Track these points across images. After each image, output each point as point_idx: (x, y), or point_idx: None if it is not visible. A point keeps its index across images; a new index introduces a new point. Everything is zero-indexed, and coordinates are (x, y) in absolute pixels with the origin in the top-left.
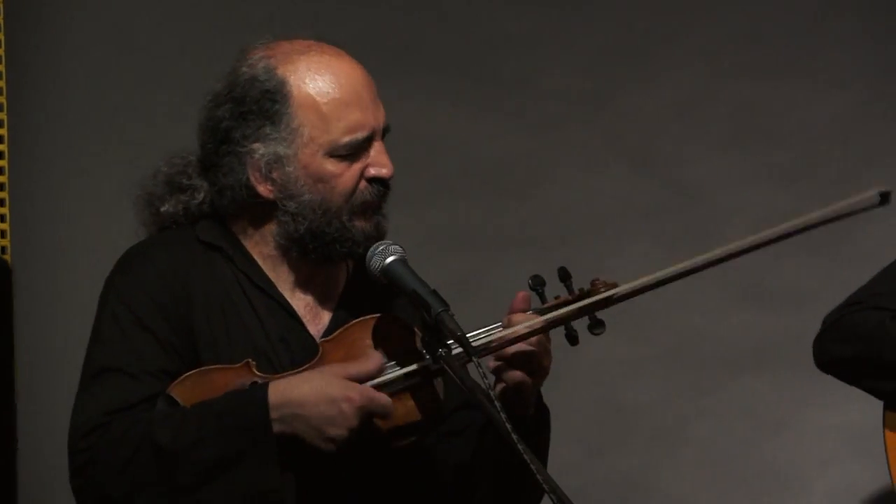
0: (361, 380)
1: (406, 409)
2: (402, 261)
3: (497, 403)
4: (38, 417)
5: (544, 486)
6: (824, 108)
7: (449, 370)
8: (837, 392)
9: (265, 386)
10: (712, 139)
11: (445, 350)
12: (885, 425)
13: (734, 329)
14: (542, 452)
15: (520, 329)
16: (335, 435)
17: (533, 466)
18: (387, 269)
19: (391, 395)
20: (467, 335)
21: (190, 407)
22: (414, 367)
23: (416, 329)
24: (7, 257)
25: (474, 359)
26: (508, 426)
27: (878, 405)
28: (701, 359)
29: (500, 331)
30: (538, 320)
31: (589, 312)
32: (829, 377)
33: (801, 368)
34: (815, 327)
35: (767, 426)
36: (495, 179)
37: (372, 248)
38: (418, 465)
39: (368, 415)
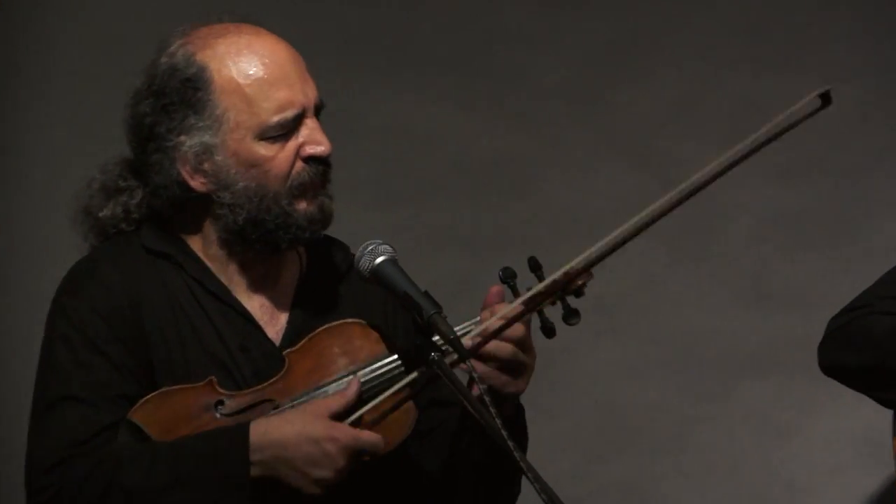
0: (344, 413)
1: (389, 434)
2: (392, 261)
3: (492, 408)
4: None
5: (535, 485)
6: (830, 106)
7: (443, 376)
8: (847, 397)
9: (245, 427)
10: (711, 136)
11: (438, 354)
12: (894, 435)
13: (739, 331)
14: (523, 447)
15: (494, 321)
16: (321, 476)
17: (524, 465)
18: (376, 270)
19: (372, 422)
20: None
21: (162, 444)
22: (396, 388)
23: (384, 333)
24: None
25: (467, 362)
26: (504, 432)
27: (889, 410)
28: (704, 362)
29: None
30: (512, 307)
31: (560, 294)
32: (837, 386)
33: (808, 372)
34: (822, 330)
35: (773, 432)
36: (490, 178)
37: (361, 248)
38: (391, 469)
39: (356, 454)
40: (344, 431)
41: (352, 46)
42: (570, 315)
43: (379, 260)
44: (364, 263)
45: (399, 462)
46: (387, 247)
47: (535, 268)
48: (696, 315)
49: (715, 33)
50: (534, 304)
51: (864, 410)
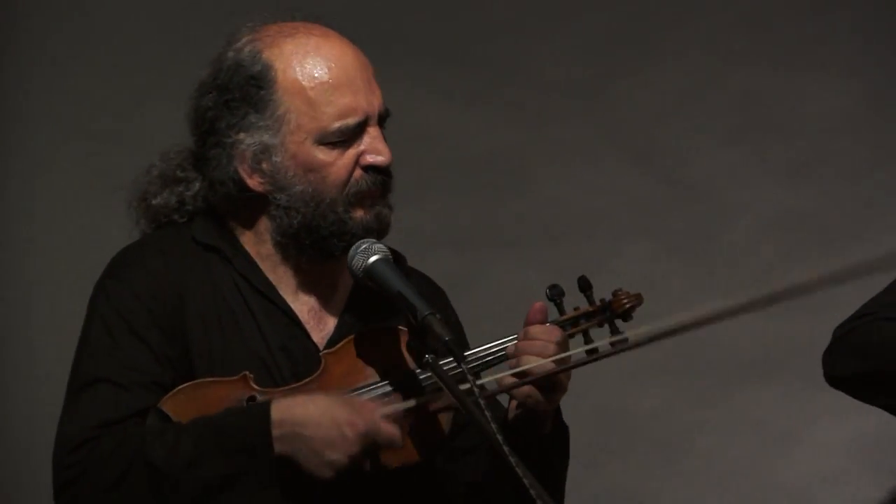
0: (373, 404)
1: (413, 439)
2: (385, 260)
3: (487, 412)
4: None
5: (532, 492)
6: (834, 99)
7: (436, 376)
8: (849, 404)
9: (267, 403)
10: (716, 132)
11: (432, 356)
12: None
13: (741, 336)
14: (558, 472)
15: (548, 365)
16: (334, 459)
17: (520, 472)
18: (370, 270)
19: (399, 424)
20: (479, 349)
21: (186, 423)
22: (426, 397)
23: (432, 340)
24: None
25: (463, 366)
26: (499, 436)
27: (891, 418)
28: (705, 367)
29: (512, 344)
30: (564, 354)
31: (609, 316)
32: (840, 393)
33: (811, 378)
34: (827, 335)
35: (775, 439)
36: (487, 174)
37: (354, 247)
38: (426, 486)
39: (373, 444)
40: (365, 419)
41: (343, 34)
42: (622, 347)
43: (372, 259)
44: (357, 262)
45: (435, 478)
46: (380, 246)
47: (585, 287)
48: None
49: (721, 25)
50: (579, 325)
51: (864, 418)
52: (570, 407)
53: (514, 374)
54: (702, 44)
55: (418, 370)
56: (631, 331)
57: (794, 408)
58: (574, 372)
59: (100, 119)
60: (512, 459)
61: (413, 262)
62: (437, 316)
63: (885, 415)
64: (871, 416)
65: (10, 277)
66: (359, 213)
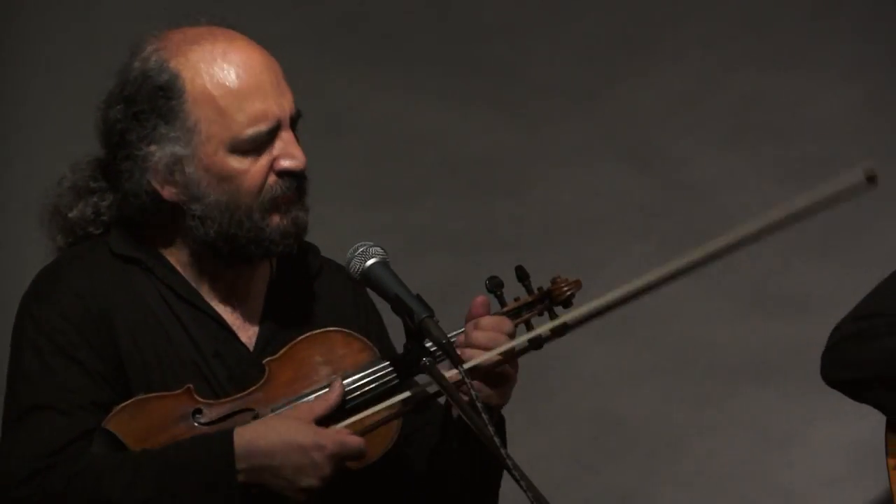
0: (328, 417)
1: (375, 441)
2: (383, 263)
3: (485, 415)
4: None
5: (528, 494)
6: (834, 101)
7: (434, 380)
8: (847, 406)
9: (229, 436)
10: (714, 135)
11: (430, 359)
12: (886, 445)
13: (738, 338)
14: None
15: (492, 356)
16: (307, 485)
17: (517, 474)
18: (367, 273)
19: (358, 432)
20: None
21: (142, 455)
22: (395, 399)
23: (365, 341)
24: None
25: (460, 368)
26: (497, 439)
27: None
28: (702, 369)
29: (461, 336)
30: (508, 344)
31: (548, 304)
32: (837, 394)
33: (809, 380)
34: (824, 336)
35: (772, 441)
36: (483, 177)
37: (351, 250)
38: (374, 473)
39: (341, 460)
40: (330, 438)
41: (338, 39)
42: (558, 332)
43: (370, 262)
44: (354, 266)
45: (383, 465)
46: (378, 248)
47: (523, 277)
48: (694, 322)
49: (720, 27)
50: (521, 315)
51: (862, 420)
52: (569, 410)
53: (463, 370)
54: (700, 46)
55: (365, 369)
56: (566, 313)
57: (791, 410)
58: (572, 375)
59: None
60: (509, 462)
61: (411, 263)
62: (435, 318)
63: (883, 417)
64: (868, 419)
65: (9, 278)
66: (275, 219)
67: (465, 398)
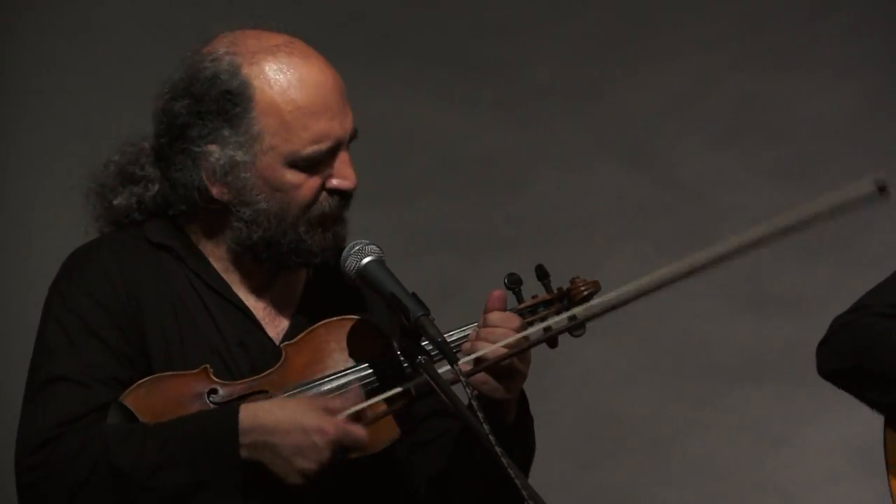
0: (340, 408)
1: (378, 435)
2: (379, 261)
3: (480, 413)
4: None
5: (523, 493)
6: (829, 102)
7: (430, 378)
8: (842, 405)
9: (235, 408)
10: (710, 135)
11: (426, 357)
12: (885, 443)
13: (734, 337)
14: (524, 460)
15: (499, 349)
16: (304, 468)
17: (512, 472)
18: (363, 271)
19: (363, 421)
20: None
21: (151, 425)
22: (393, 392)
23: (383, 332)
24: None
25: (455, 367)
26: (491, 437)
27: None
28: (698, 368)
29: (473, 332)
30: (518, 335)
31: (566, 303)
32: (834, 389)
33: (804, 379)
34: (818, 337)
35: (768, 440)
36: (479, 176)
37: (347, 248)
38: (389, 478)
39: (342, 448)
40: (334, 424)
41: (337, 39)
42: (577, 327)
43: (366, 260)
44: (350, 264)
45: (397, 469)
46: (374, 247)
47: (543, 276)
48: (690, 321)
49: (715, 28)
50: (538, 313)
51: (858, 419)
52: (563, 408)
53: (468, 362)
54: (695, 48)
55: (380, 359)
56: (579, 308)
57: (786, 409)
58: (568, 373)
59: (97, 120)
60: (504, 460)
61: (409, 261)
62: (431, 317)
63: (877, 416)
64: (862, 418)
65: (9, 278)
66: (318, 234)
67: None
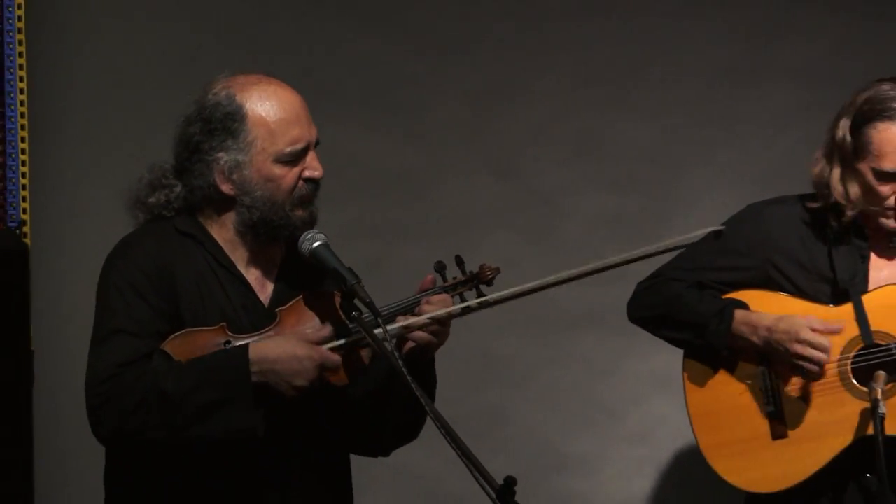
0: (320, 342)
1: (346, 364)
2: (325, 245)
3: (397, 354)
4: (51, 375)
5: (430, 414)
6: (640, 135)
7: (360, 327)
8: (648, 345)
9: (245, 347)
10: (560, 156)
11: (358, 313)
12: (684, 370)
13: (573, 298)
14: (430, 388)
15: (441, 313)
16: (299, 384)
17: (423, 401)
18: (314, 252)
19: (339, 352)
20: (389, 305)
21: (186, 361)
22: (357, 336)
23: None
24: (27, 240)
25: (379, 320)
26: (406, 373)
27: (679, 354)
28: (549, 321)
29: (418, 303)
30: (454, 308)
31: (476, 282)
32: (641, 334)
33: (623, 328)
34: (627, 299)
35: (597, 371)
36: (396, 184)
37: (302, 236)
38: (340, 399)
39: (323, 369)
40: (319, 352)
41: (293, 85)
42: (484, 306)
43: (315, 244)
44: (305, 247)
45: (347, 393)
46: (321, 235)
47: (460, 263)
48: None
49: (561, 80)
50: (457, 289)
51: (659, 355)
52: (455, 349)
53: (423, 321)
54: (548, 94)
55: (347, 320)
56: (492, 293)
57: (609, 348)
58: (457, 325)
59: (139, 124)
60: (413, 385)
61: (341, 248)
62: (361, 283)
63: (676, 352)
64: (663, 354)
65: (58, 259)
66: (299, 212)
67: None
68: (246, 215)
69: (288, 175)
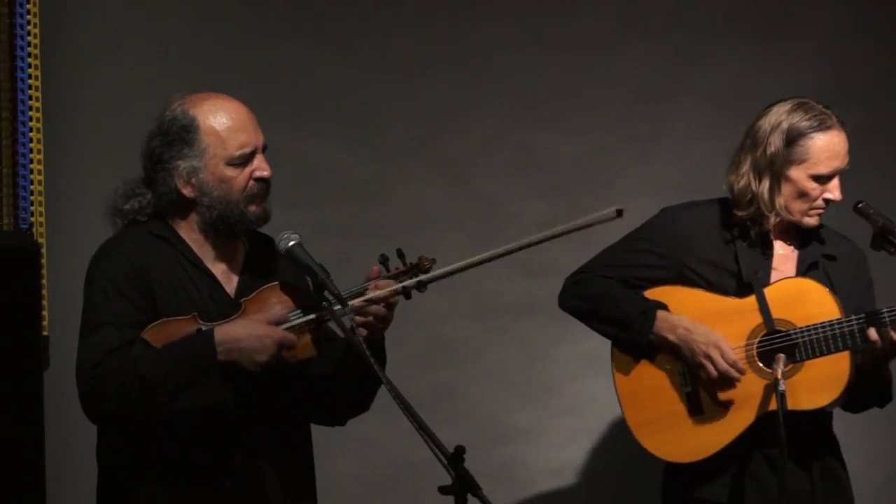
0: (277, 324)
1: (303, 343)
2: (299, 244)
3: (358, 336)
4: (63, 366)
5: (388, 387)
6: (573, 149)
7: (331, 315)
8: (579, 331)
9: (211, 331)
10: (504, 165)
11: (327, 302)
12: (612, 356)
13: (516, 291)
14: (382, 363)
15: (385, 292)
16: (260, 360)
17: (381, 376)
18: (289, 250)
19: (294, 332)
20: (345, 291)
21: (161, 347)
22: (310, 317)
23: (302, 290)
24: (42, 240)
25: (346, 307)
26: (368, 352)
27: (605, 339)
28: (496, 309)
29: (366, 290)
30: (395, 286)
31: (415, 271)
32: (574, 321)
33: (556, 316)
34: (559, 287)
35: (535, 353)
36: (363, 191)
37: (278, 236)
38: (297, 375)
39: (282, 346)
40: (276, 331)
41: (257, 104)
42: (421, 285)
43: (291, 243)
44: (282, 245)
45: (303, 370)
46: (295, 235)
47: (401, 255)
48: (487, 281)
49: (505, 100)
50: (399, 278)
51: (591, 340)
52: (411, 334)
53: (372, 300)
54: (493, 114)
55: (305, 304)
56: (425, 276)
57: (546, 334)
58: (414, 314)
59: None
60: (372, 361)
61: (315, 246)
62: (330, 277)
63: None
64: (593, 339)
65: (68, 256)
66: (252, 208)
67: (358, 330)
68: (206, 214)
69: (239, 176)
